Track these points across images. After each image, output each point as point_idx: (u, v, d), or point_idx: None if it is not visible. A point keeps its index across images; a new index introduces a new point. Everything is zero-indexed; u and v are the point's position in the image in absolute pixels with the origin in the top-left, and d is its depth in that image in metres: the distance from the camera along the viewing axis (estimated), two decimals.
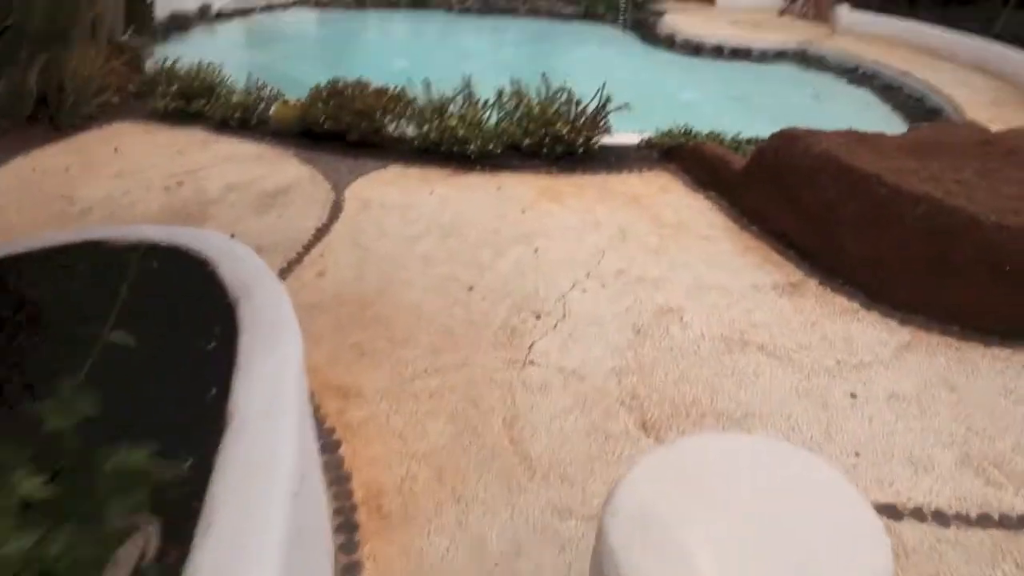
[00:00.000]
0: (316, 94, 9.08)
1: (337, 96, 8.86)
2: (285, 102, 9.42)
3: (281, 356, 3.38)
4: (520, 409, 4.89)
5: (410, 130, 9.10)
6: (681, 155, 8.59)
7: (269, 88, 10.00)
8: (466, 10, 22.40)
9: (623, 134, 9.18)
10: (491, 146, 8.44)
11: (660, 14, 21.25)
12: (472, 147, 8.38)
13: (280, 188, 8.20)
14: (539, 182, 8.34)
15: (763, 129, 8.41)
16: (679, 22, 20.43)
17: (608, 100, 8.66)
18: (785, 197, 6.92)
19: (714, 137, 8.57)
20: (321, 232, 7.27)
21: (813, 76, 18.03)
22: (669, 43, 19.70)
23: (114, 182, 8.40)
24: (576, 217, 7.58)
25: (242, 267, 4.17)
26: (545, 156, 8.65)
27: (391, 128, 9.11)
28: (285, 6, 23.08)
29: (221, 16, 21.47)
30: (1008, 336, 5.64)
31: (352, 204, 7.84)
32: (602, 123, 8.73)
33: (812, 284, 6.47)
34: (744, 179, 7.50)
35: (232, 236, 7.48)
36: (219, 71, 10.35)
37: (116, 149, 9.34)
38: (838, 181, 6.37)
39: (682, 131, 8.73)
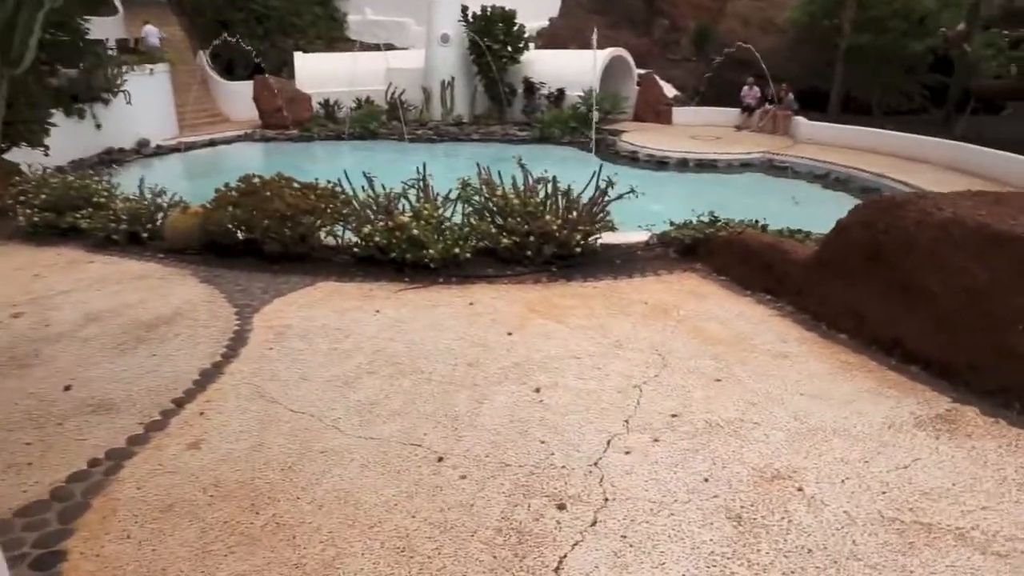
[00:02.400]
0: (223, 196, 6.66)
1: (251, 196, 6.46)
2: (185, 208, 6.98)
3: None
4: None
5: (348, 236, 6.70)
6: (711, 250, 6.30)
7: (169, 196, 7.58)
8: (416, 139, 20.79)
9: (627, 232, 6.92)
10: (457, 250, 6.06)
11: (618, 133, 19.96)
12: (432, 252, 5.97)
13: (161, 316, 5.60)
14: (527, 294, 5.91)
15: None
16: (639, 139, 19.11)
17: (610, 185, 6.42)
18: (892, 289, 4.60)
19: (753, 226, 6.32)
20: (208, 376, 4.62)
21: (785, 183, 16.53)
22: (632, 159, 18.22)
23: None
24: (587, 338, 5.10)
25: None
26: (531, 261, 6.28)
27: (322, 235, 6.69)
28: (228, 141, 21.29)
29: (160, 151, 19.65)
30: None
31: (262, 333, 5.25)
32: (602, 216, 6.46)
33: (973, 415, 4.02)
34: (817, 271, 5.19)
35: (67, 388, 4.85)
36: (106, 181, 7.92)
37: None
38: (989, 257, 4.08)
39: (707, 221, 6.48)
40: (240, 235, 6.50)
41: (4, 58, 8.42)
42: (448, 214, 6.50)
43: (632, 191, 6.47)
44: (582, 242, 6.25)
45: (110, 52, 20.62)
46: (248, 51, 22.04)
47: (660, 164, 17.87)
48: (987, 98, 18.86)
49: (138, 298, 5.96)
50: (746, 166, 17.69)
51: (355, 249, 6.34)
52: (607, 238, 6.75)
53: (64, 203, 7.37)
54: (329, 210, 6.44)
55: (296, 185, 6.59)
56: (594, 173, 6.54)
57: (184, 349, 5.03)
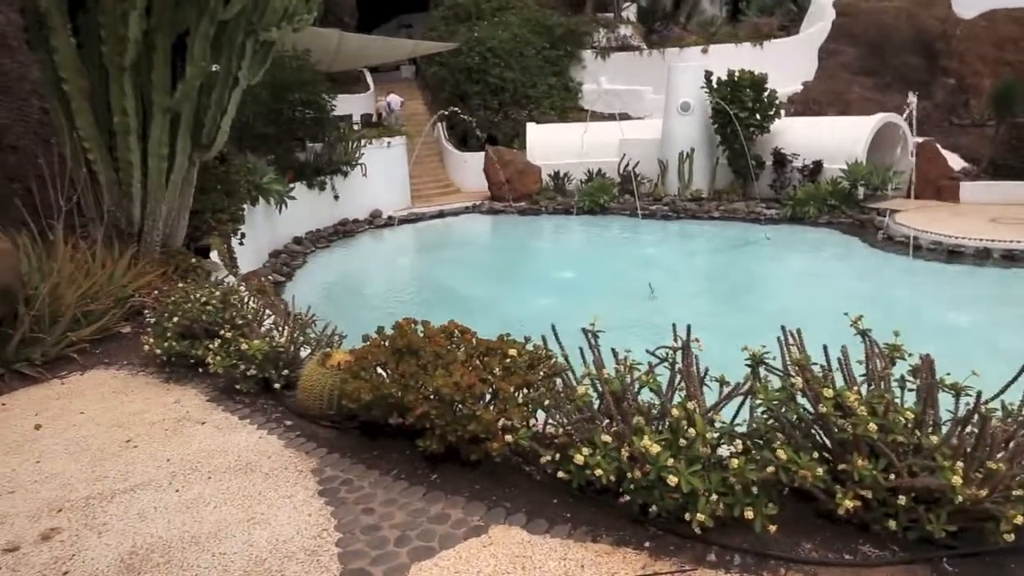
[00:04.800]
0: (372, 350, 4.11)
1: (408, 356, 3.86)
2: (326, 356, 4.54)
3: None
4: None
5: (551, 432, 3.82)
6: None
7: (327, 327, 5.26)
8: (649, 214, 17.84)
9: None
10: (750, 514, 2.92)
11: (890, 213, 15.49)
12: (701, 516, 2.90)
13: None
14: None
15: None
16: (919, 221, 14.50)
17: None
18: None
19: None
20: None
21: None
22: (912, 247, 13.78)
23: None
24: None
25: None
26: (892, 535, 2.98)
27: (514, 425, 3.87)
28: (456, 213, 19.94)
29: (391, 222, 18.67)
30: None
31: None
32: None
33: None
34: None
35: None
36: (251, 296, 5.82)
37: (37, 426, 4.82)
38: None
39: None
40: (390, 416, 3.87)
41: (195, 141, 5.80)
42: (729, 419, 3.40)
43: None
44: (1012, 516, 2.81)
45: (355, 125, 20.25)
46: (471, 122, 20.74)
47: (951, 255, 13.24)
48: None
49: (215, 522, 3.52)
50: None
51: (561, 472, 3.41)
52: None
53: (199, 329, 5.32)
54: (522, 397, 3.64)
55: (474, 341, 3.89)
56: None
57: None
